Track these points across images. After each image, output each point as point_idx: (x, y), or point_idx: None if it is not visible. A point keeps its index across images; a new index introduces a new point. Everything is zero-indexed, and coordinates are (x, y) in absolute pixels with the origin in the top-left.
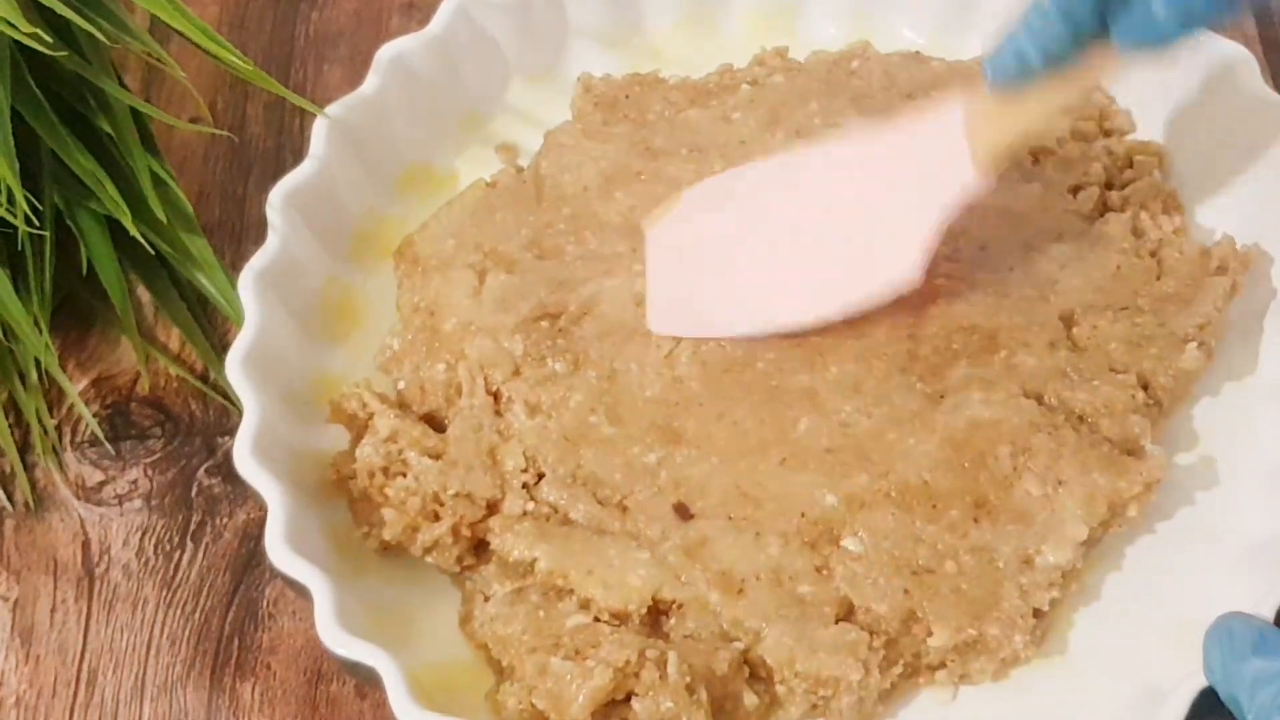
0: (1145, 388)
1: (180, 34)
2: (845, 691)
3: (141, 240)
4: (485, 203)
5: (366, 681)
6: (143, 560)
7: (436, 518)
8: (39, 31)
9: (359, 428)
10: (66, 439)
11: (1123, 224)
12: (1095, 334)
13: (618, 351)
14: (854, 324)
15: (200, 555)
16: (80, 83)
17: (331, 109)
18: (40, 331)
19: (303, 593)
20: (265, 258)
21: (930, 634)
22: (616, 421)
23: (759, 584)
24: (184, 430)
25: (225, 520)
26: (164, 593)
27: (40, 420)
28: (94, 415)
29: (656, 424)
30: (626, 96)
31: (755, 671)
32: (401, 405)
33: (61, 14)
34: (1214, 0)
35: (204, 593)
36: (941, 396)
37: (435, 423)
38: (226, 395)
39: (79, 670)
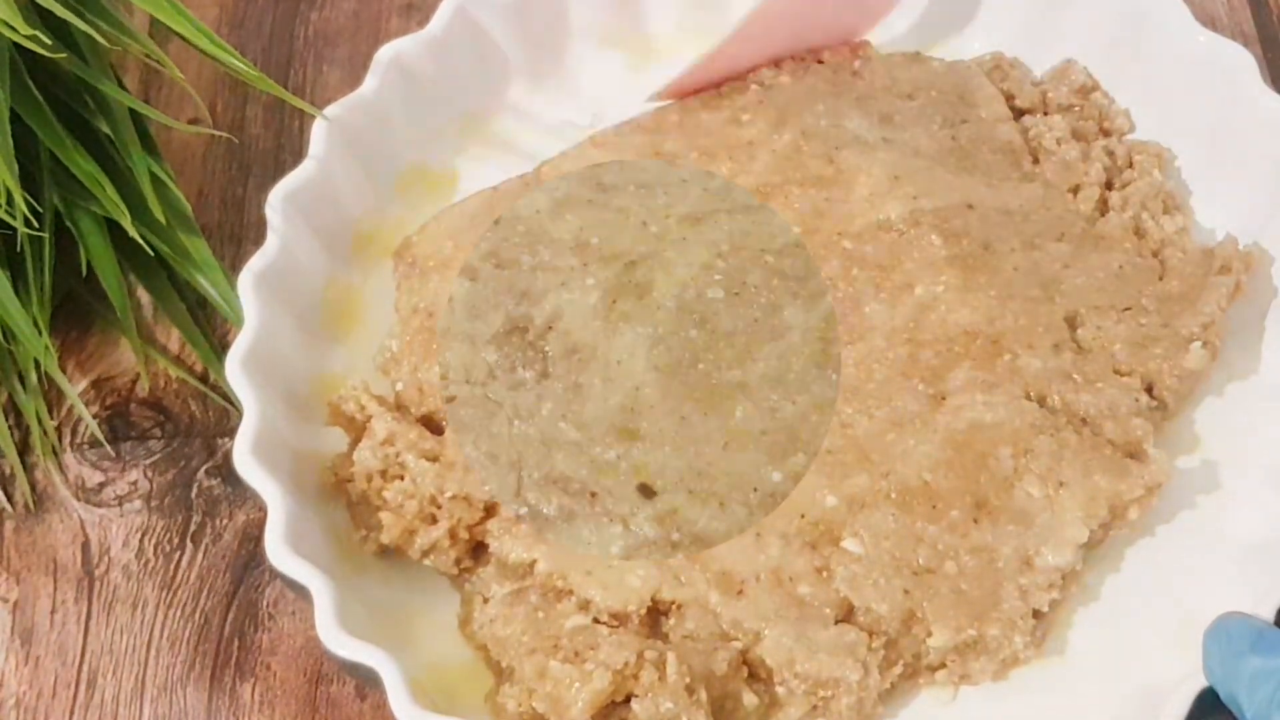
0: (1150, 390)
1: (179, 36)
2: (845, 692)
3: (141, 241)
4: (487, 207)
5: (366, 682)
6: (142, 561)
7: (434, 520)
8: (38, 34)
9: (357, 430)
10: (66, 440)
11: (1124, 224)
12: (1100, 335)
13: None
14: (854, 328)
15: (200, 556)
16: (79, 84)
17: (330, 110)
18: (40, 333)
19: (302, 594)
20: (265, 259)
21: (930, 634)
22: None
23: (759, 585)
24: (184, 431)
25: (225, 521)
26: (164, 594)
27: (40, 421)
28: (94, 416)
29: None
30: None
31: (755, 672)
32: (399, 407)
33: (60, 16)
34: None
35: (204, 594)
36: (943, 398)
37: (433, 424)
38: (226, 396)
39: (79, 671)
